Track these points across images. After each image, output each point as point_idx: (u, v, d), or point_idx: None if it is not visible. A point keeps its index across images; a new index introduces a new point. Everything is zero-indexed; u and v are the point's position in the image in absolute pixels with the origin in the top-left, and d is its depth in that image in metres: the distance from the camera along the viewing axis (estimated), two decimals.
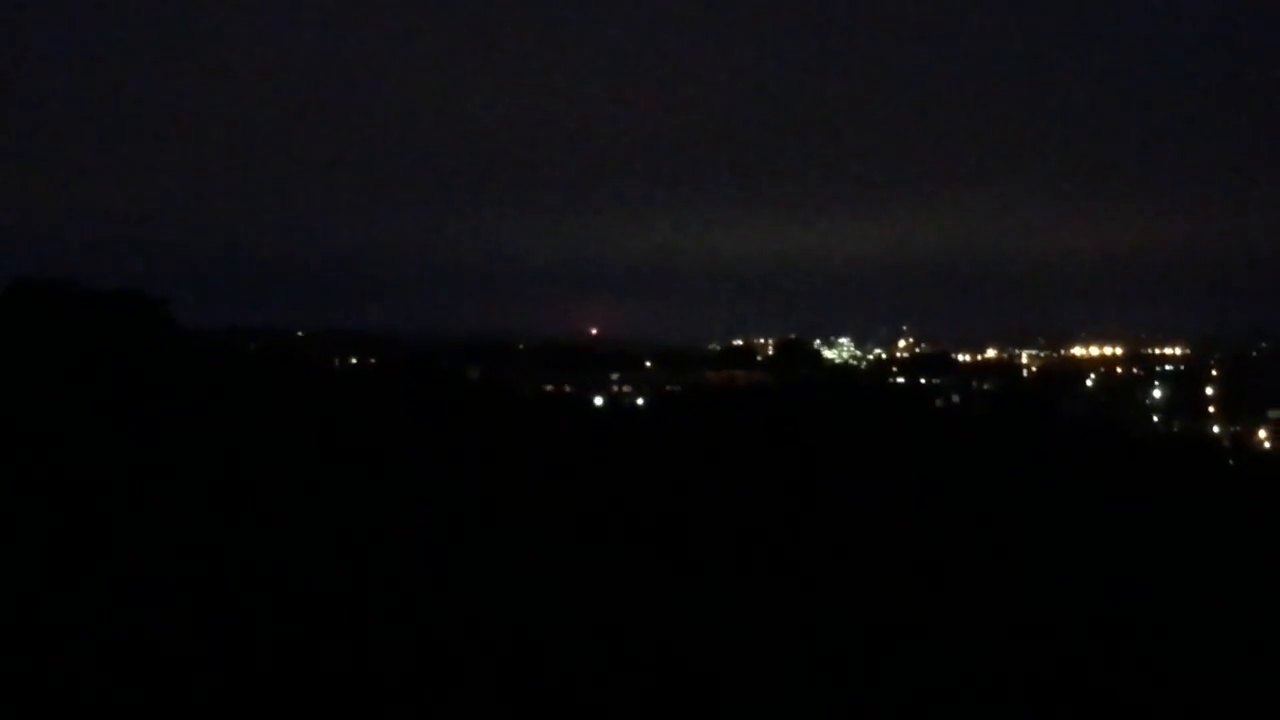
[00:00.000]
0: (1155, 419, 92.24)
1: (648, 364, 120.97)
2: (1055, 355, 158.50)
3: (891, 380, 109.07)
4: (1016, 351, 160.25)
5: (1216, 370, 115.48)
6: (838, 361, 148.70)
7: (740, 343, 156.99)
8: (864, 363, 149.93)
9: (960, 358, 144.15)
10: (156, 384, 27.10)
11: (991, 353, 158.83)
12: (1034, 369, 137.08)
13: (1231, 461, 47.79)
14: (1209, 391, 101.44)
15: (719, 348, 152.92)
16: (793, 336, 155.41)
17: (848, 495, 23.81)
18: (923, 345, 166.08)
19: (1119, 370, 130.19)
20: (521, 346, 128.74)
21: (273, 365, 39.65)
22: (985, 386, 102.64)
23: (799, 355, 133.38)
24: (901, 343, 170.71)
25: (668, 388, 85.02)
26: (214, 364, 33.24)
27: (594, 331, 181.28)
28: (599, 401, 75.99)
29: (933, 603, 16.33)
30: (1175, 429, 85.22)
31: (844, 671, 13.53)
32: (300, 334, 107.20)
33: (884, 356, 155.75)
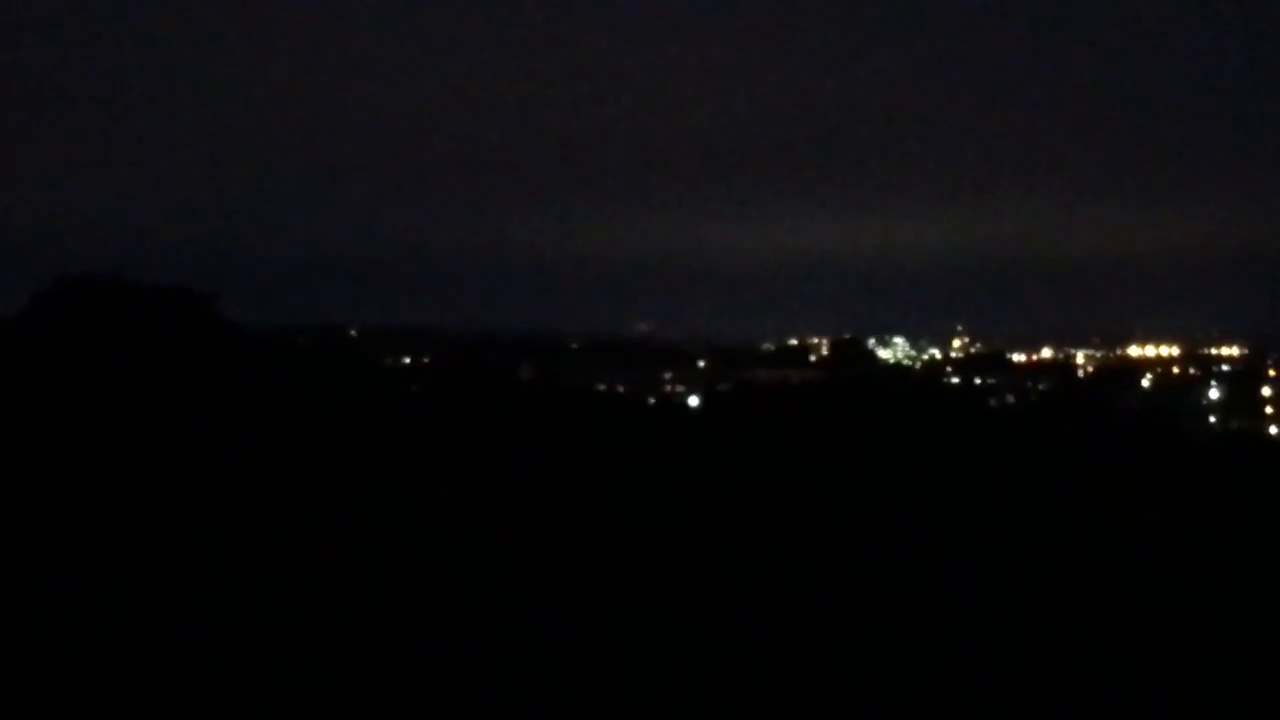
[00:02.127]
0: (1212, 419, 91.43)
1: (700, 363, 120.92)
2: (1111, 355, 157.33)
3: (946, 380, 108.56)
4: (1072, 351, 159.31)
5: (1274, 370, 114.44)
6: (892, 361, 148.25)
7: (794, 342, 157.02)
8: (918, 362, 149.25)
9: (1015, 357, 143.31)
10: (204, 380, 27.12)
11: (1047, 352, 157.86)
12: (1089, 369, 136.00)
13: None
14: (1266, 392, 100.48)
15: (773, 347, 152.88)
16: (847, 336, 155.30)
17: (894, 497, 23.65)
18: (977, 345, 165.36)
19: (1175, 370, 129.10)
20: (574, 345, 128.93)
21: (322, 361, 39.62)
22: (1040, 386, 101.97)
23: (853, 354, 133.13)
24: (956, 342, 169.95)
25: (720, 387, 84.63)
26: (262, 359, 33.24)
27: (646, 329, 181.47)
28: (651, 400, 75.73)
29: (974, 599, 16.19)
30: (1232, 429, 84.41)
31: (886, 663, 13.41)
32: (352, 331, 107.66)
33: (938, 356, 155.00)
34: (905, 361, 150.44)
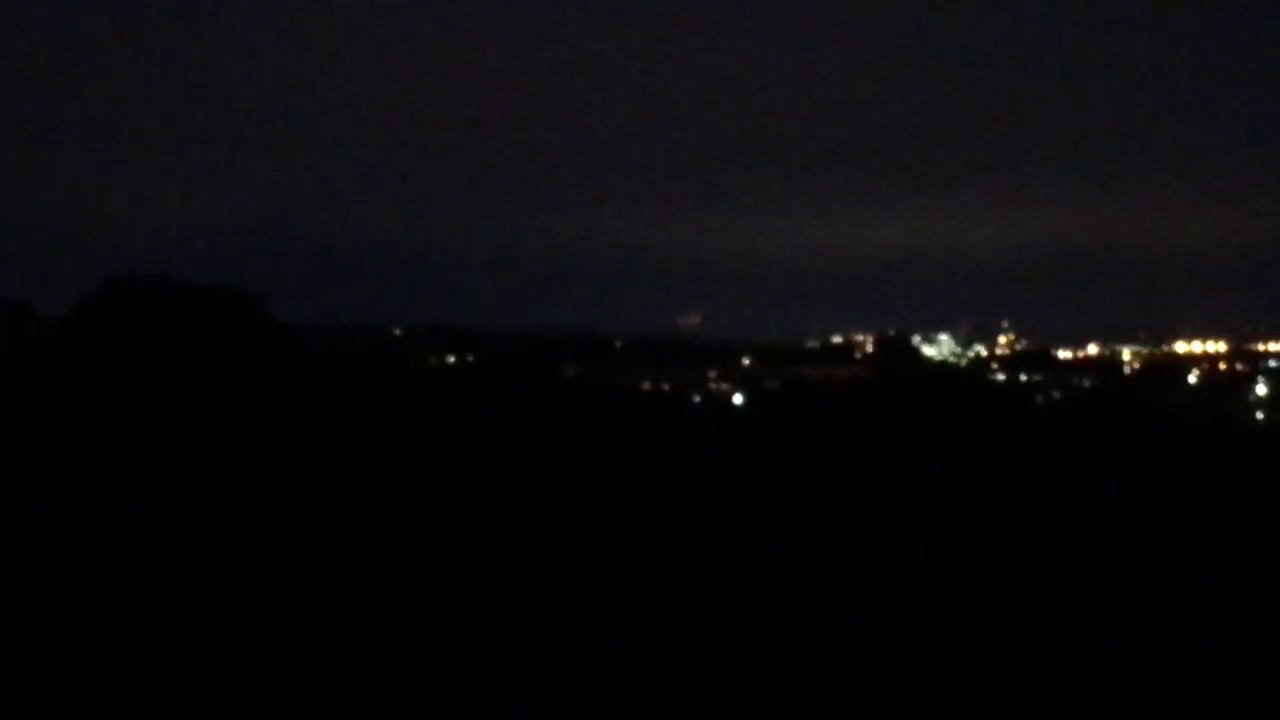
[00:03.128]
0: (1259, 415, 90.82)
1: (745, 361, 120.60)
2: (1157, 351, 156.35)
3: (992, 377, 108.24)
4: (1118, 347, 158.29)
5: None
6: (937, 358, 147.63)
7: (839, 339, 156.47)
8: (964, 359, 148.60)
9: (1061, 354, 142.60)
10: (254, 380, 27.22)
11: (1093, 349, 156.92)
12: (1135, 365, 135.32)
13: None
14: None
15: (818, 344, 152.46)
16: (892, 333, 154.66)
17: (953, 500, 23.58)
18: (1023, 342, 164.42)
19: (1222, 366, 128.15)
20: (618, 343, 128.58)
21: (368, 362, 39.76)
22: (1086, 383, 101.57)
23: (898, 352, 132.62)
24: (1002, 339, 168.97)
25: (767, 384, 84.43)
26: (309, 360, 33.36)
27: (690, 326, 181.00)
28: (696, 399, 75.63)
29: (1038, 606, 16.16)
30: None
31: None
32: (397, 331, 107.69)
33: (984, 353, 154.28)
34: (951, 359, 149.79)
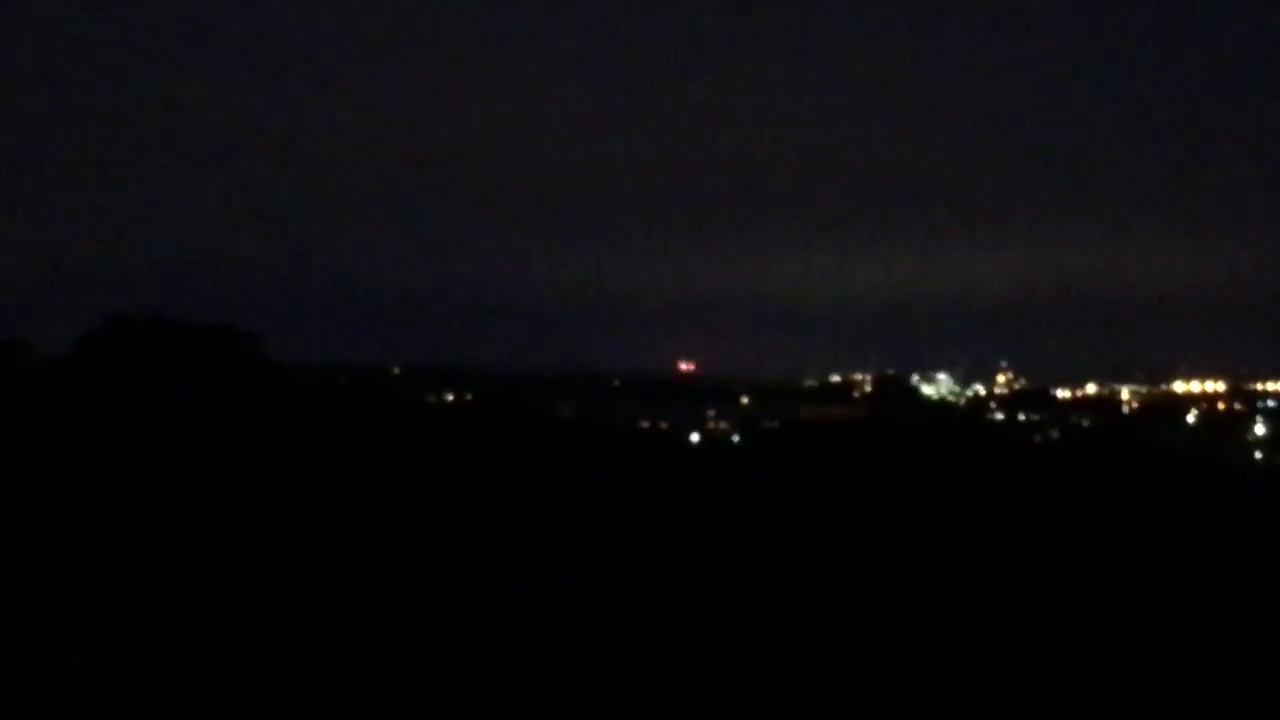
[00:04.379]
0: (1257, 455, 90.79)
1: (744, 399, 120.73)
2: (1156, 391, 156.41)
3: (990, 416, 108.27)
4: (1117, 387, 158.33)
5: None
6: (936, 398, 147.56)
7: (838, 378, 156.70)
8: (962, 399, 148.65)
9: (1060, 393, 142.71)
10: (249, 417, 27.27)
11: (1091, 388, 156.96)
12: (1134, 404, 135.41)
13: None
14: None
15: (816, 383, 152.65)
16: (890, 372, 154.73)
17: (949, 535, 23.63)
18: (1022, 381, 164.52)
19: (1220, 406, 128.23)
20: (616, 382, 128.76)
21: (363, 399, 39.80)
22: (1084, 422, 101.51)
23: (896, 391, 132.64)
24: (1001, 378, 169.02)
25: (765, 424, 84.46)
26: (305, 397, 33.40)
27: (689, 366, 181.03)
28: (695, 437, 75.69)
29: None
30: (1278, 464, 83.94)
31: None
32: (396, 369, 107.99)
33: (983, 392, 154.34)
34: (949, 398, 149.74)
